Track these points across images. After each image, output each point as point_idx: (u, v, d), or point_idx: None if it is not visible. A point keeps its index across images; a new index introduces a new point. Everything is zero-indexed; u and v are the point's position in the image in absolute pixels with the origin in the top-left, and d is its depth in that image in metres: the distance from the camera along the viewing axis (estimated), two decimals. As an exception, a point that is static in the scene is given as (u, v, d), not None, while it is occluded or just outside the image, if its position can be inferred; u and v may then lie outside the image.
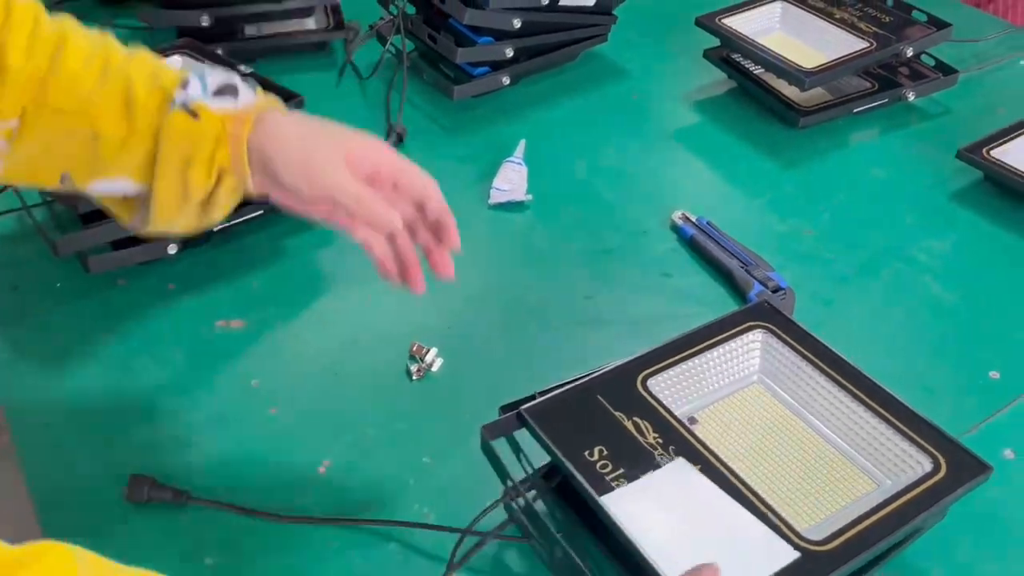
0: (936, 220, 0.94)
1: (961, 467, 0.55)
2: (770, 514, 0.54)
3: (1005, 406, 0.74)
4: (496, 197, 0.94)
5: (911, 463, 0.57)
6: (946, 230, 0.93)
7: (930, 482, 0.54)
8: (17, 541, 0.40)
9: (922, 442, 0.57)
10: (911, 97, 1.08)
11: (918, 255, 0.90)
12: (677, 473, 0.56)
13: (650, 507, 0.54)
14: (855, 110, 1.06)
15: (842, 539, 0.51)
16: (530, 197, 0.94)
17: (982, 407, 0.74)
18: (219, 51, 0.92)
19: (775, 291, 0.83)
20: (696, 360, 0.64)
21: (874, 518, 0.53)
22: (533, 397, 0.62)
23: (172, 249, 0.81)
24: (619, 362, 0.63)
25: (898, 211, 0.96)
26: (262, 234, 0.88)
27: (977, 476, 0.55)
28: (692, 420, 0.63)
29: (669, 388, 0.63)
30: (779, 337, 0.66)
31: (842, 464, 0.60)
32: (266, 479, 0.67)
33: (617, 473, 0.55)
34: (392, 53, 1.11)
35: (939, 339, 0.81)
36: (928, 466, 0.56)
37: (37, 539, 0.40)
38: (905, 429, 0.58)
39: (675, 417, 0.59)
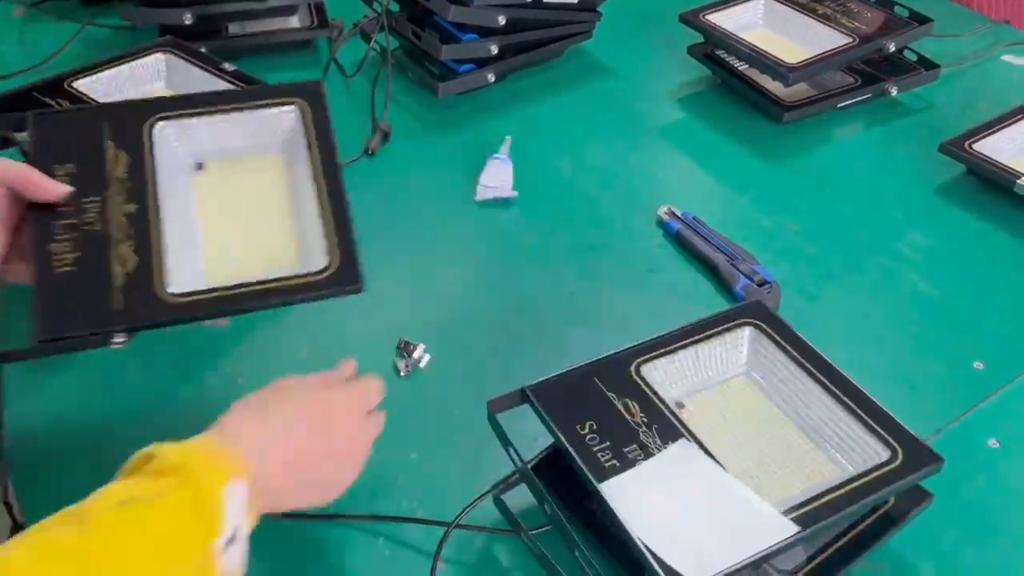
0: (920, 214, 0.95)
1: (916, 458, 0.59)
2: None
3: (989, 396, 0.75)
4: (482, 193, 0.94)
5: (871, 452, 0.60)
6: (930, 224, 0.94)
7: (885, 469, 0.58)
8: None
9: (884, 434, 0.60)
10: (894, 92, 1.09)
11: (902, 249, 0.90)
12: (677, 456, 0.58)
13: (649, 489, 0.56)
14: (838, 105, 1.07)
15: (797, 513, 0.55)
16: (516, 193, 0.94)
17: (967, 397, 0.75)
18: (202, 49, 0.92)
19: (761, 285, 0.83)
20: (689, 351, 0.67)
21: (828, 497, 0.56)
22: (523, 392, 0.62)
23: (157, 247, 0.80)
24: (618, 350, 0.66)
25: (882, 205, 0.96)
26: (247, 232, 0.88)
27: (928, 466, 0.58)
28: (680, 405, 0.65)
29: (661, 375, 0.65)
30: (767, 335, 0.68)
31: (812, 452, 0.63)
32: (253, 476, 0.67)
33: (604, 446, 0.58)
34: (377, 51, 1.11)
35: (924, 332, 0.82)
36: (885, 455, 0.59)
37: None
38: (871, 423, 0.61)
39: (663, 401, 0.62)
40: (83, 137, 0.63)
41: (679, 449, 0.59)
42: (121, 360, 0.75)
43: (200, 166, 0.67)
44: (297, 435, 0.54)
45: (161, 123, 0.65)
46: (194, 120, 0.66)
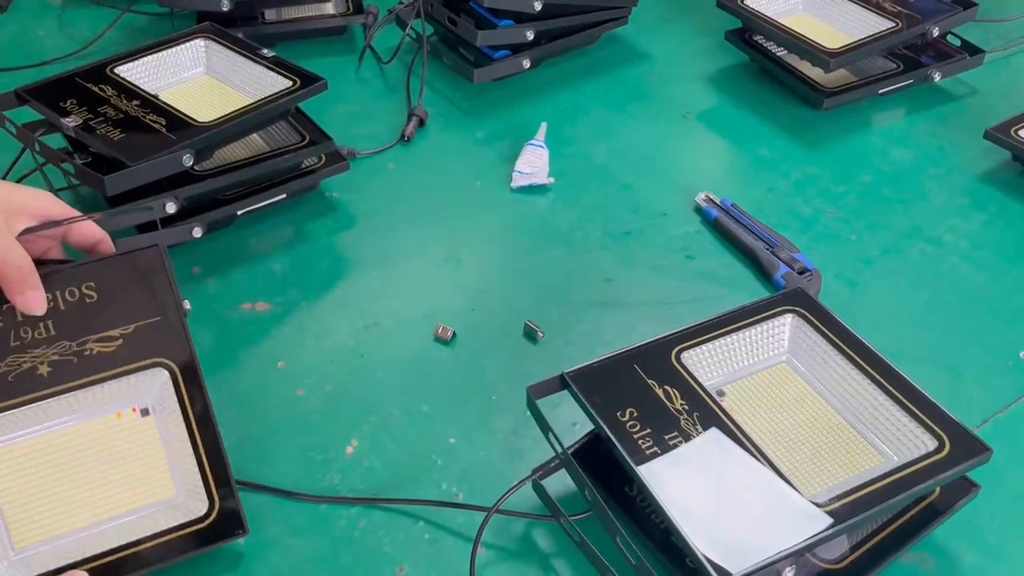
0: (963, 200, 0.93)
1: (963, 448, 0.58)
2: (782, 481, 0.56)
3: (1036, 386, 0.74)
4: (518, 180, 0.93)
5: (917, 442, 0.59)
6: (973, 210, 0.92)
7: (932, 459, 0.57)
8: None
9: (931, 424, 0.59)
10: (937, 78, 1.07)
11: (945, 236, 0.89)
12: (712, 443, 0.58)
13: (685, 476, 0.56)
14: (880, 91, 1.05)
15: (840, 503, 0.54)
16: (552, 180, 0.93)
17: (1014, 387, 0.74)
18: (239, 35, 0.92)
19: (801, 272, 0.82)
20: (730, 338, 0.66)
21: (873, 487, 0.55)
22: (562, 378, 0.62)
23: (197, 232, 0.81)
24: (658, 336, 0.65)
25: (924, 192, 0.95)
26: (284, 218, 0.88)
27: (977, 456, 0.57)
28: (720, 393, 0.64)
29: (701, 362, 0.65)
30: (809, 322, 0.67)
31: (855, 440, 0.62)
32: (294, 459, 0.67)
33: (644, 432, 0.58)
34: (412, 37, 1.11)
35: (968, 319, 0.80)
36: (932, 445, 0.58)
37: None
38: (916, 412, 0.60)
39: (703, 388, 0.62)
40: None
41: (713, 434, 0.58)
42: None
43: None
44: None
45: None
46: None
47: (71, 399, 0.61)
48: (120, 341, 0.63)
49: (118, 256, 0.66)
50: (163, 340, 0.64)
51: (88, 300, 0.64)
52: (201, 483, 0.60)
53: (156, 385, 0.63)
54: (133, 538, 0.57)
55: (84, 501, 0.59)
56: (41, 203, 0.64)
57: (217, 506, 0.59)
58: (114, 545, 0.57)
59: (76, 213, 0.65)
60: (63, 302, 0.63)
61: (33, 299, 0.62)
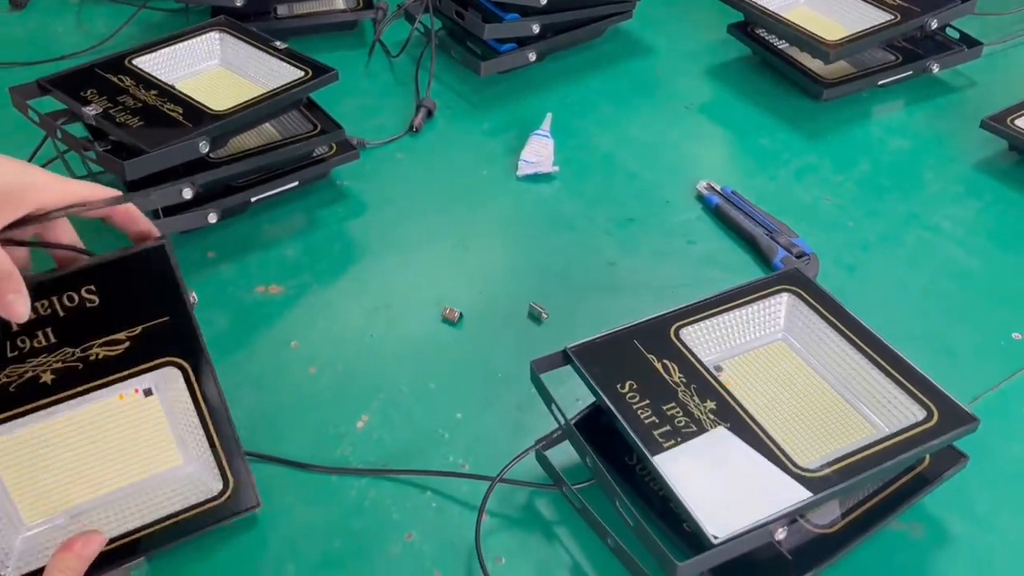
0: (960, 188, 0.95)
1: (951, 418, 0.60)
2: (776, 449, 0.58)
3: (1027, 365, 0.75)
4: (524, 169, 0.96)
5: (907, 412, 0.61)
6: (969, 198, 0.94)
7: (920, 428, 0.59)
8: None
9: (920, 395, 0.61)
10: (935, 69, 1.09)
11: (941, 222, 0.91)
12: (715, 438, 0.59)
13: (682, 451, 0.58)
14: (879, 83, 1.07)
15: (832, 468, 0.56)
16: (557, 168, 0.96)
17: (1006, 367, 0.76)
18: (253, 29, 0.95)
19: (799, 256, 0.84)
20: (727, 316, 0.68)
21: (863, 454, 0.57)
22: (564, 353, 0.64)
23: (212, 218, 0.84)
24: (657, 314, 0.67)
25: (921, 180, 0.97)
26: (296, 205, 0.91)
27: (964, 426, 0.59)
28: (718, 368, 0.66)
29: (699, 338, 0.67)
30: (805, 301, 0.69)
31: (847, 412, 0.64)
32: (306, 433, 0.70)
33: (643, 403, 0.60)
34: (420, 31, 1.14)
35: (963, 302, 0.82)
36: (921, 415, 0.60)
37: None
38: (906, 384, 0.62)
39: (701, 363, 0.64)
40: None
41: (719, 431, 0.60)
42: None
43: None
44: None
45: None
46: None
47: (77, 403, 0.60)
48: (127, 343, 0.61)
49: (119, 257, 0.62)
50: (172, 339, 0.62)
51: (89, 304, 0.60)
52: (215, 463, 0.62)
53: (168, 380, 0.63)
54: (151, 519, 0.60)
55: (91, 474, 0.61)
56: (48, 187, 0.57)
57: (231, 483, 0.62)
58: (132, 527, 0.59)
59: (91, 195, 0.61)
60: (62, 308, 0.60)
61: (13, 304, 0.55)
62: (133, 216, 0.63)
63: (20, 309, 0.55)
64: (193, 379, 0.63)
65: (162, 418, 0.63)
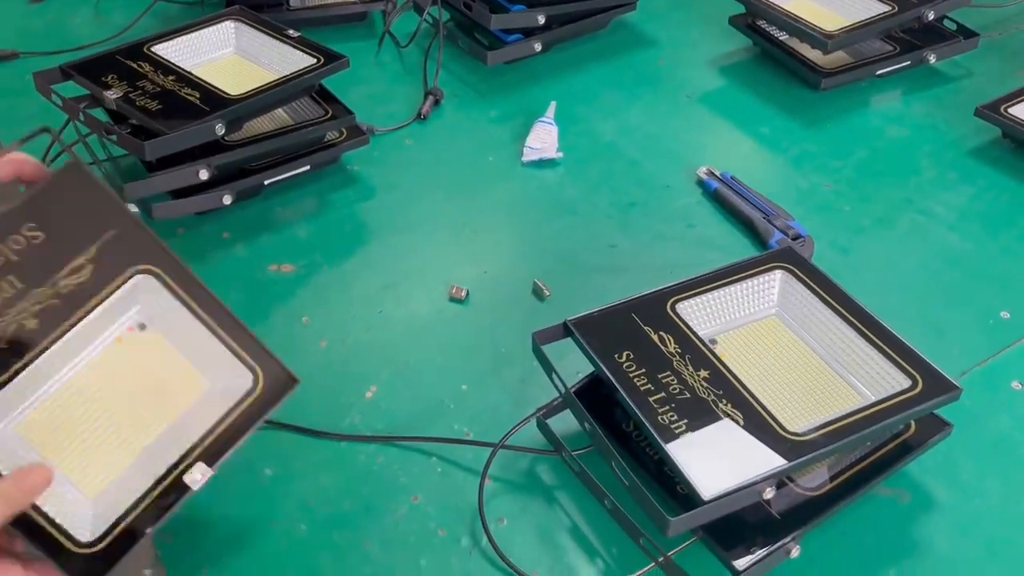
0: (953, 175, 0.98)
1: (934, 386, 0.62)
2: (765, 415, 0.61)
3: (1015, 342, 0.78)
4: (529, 155, 0.99)
5: (892, 381, 0.64)
6: (963, 184, 0.96)
7: (904, 396, 0.62)
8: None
9: (905, 365, 0.64)
10: (932, 60, 1.11)
11: (935, 207, 0.93)
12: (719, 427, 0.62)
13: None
14: (877, 72, 1.09)
15: (819, 433, 0.59)
16: (561, 154, 0.99)
17: (993, 343, 0.78)
18: (266, 18, 0.98)
19: (795, 239, 0.87)
20: (723, 291, 0.71)
21: (849, 420, 0.60)
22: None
23: (227, 199, 0.87)
24: (654, 289, 0.70)
25: (916, 167, 0.99)
26: (308, 188, 0.94)
27: (946, 393, 0.62)
28: (713, 341, 0.69)
29: (695, 312, 0.70)
30: (797, 277, 0.72)
31: (836, 381, 0.67)
32: (318, 402, 0.73)
33: (640, 372, 0.63)
34: (429, 22, 1.17)
35: (953, 283, 0.85)
36: (906, 384, 0.63)
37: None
38: (892, 354, 0.65)
39: (697, 336, 0.66)
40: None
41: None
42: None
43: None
44: None
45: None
46: None
47: (71, 341, 0.60)
48: (90, 266, 0.60)
49: (41, 190, 0.61)
50: (130, 249, 0.61)
51: (35, 241, 0.60)
52: (236, 360, 0.60)
53: (148, 291, 0.61)
54: (197, 436, 0.58)
55: (130, 428, 0.61)
56: None
57: (260, 373, 0.59)
58: (185, 449, 0.57)
59: None
60: (13, 252, 0.59)
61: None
62: (36, 165, 0.62)
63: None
64: (171, 282, 0.61)
65: (168, 347, 0.62)
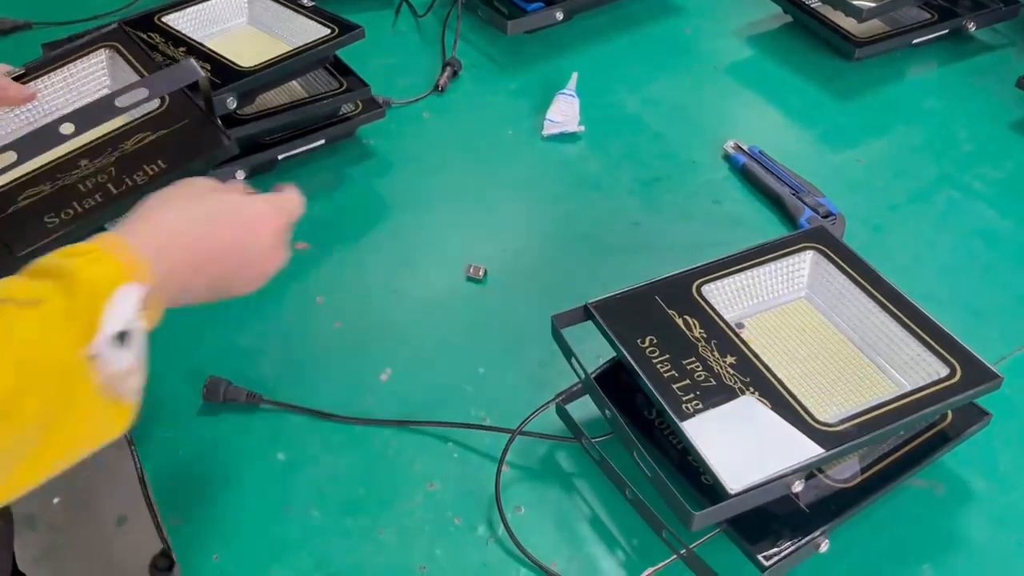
0: (993, 149, 0.94)
1: (974, 375, 0.59)
2: (795, 404, 0.58)
3: (1056, 327, 0.75)
4: (549, 128, 0.96)
5: (929, 370, 0.61)
6: (1003, 158, 0.92)
7: (942, 385, 0.59)
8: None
9: (943, 352, 0.61)
10: (971, 28, 1.06)
11: (972, 183, 0.89)
12: (740, 405, 0.59)
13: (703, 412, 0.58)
14: (913, 41, 1.05)
15: (850, 424, 0.56)
16: (583, 128, 0.95)
17: (1032, 328, 0.75)
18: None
19: (825, 216, 0.83)
20: (750, 273, 0.68)
21: (883, 410, 0.57)
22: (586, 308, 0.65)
23: (240, 175, 0.85)
24: (679, 271, 0.67)
25: (954, 141, 0.95)
26: (322, 164, 0.91)
27: (986, 383, 0.59)
28: (740, 325, 0.66)
29: (722, 295, 0.67)
30: (828, 258, 0.69)
31: (870, 369, 0.64)
32: (331, 385, 0.71)
33: (663, 357, 0.60)
34: (447, -9, 1.13)
35: (991, 263, 0.81)
36: (944, 372, 0.60)
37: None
38: (930, 341, 0.62)
39: (723, 319, 0.64)
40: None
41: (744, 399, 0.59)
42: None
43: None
44: (214, 233, 0.53)
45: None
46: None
47: None
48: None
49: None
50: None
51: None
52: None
53: None
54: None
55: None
56: None
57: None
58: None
59: None
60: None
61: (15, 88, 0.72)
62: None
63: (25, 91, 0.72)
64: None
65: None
